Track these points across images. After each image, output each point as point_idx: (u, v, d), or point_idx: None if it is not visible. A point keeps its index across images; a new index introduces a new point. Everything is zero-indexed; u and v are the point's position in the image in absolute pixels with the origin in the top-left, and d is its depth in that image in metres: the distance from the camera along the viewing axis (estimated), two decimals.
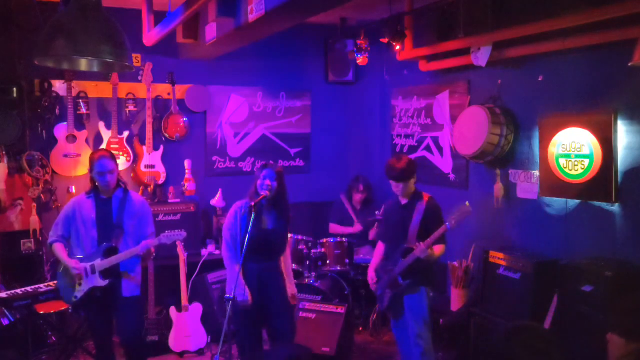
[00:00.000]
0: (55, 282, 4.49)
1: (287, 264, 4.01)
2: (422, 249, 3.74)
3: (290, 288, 3.97)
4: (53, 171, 5.21)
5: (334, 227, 5.81)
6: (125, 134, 5.46)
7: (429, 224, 3.85)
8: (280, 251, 3.92)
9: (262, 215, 3.78)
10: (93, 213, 3.82)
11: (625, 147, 3.75)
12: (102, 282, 3.74)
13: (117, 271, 3.81)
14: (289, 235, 5.05)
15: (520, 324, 3.76)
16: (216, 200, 5.69)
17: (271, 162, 3.88)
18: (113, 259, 3.74)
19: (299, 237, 5.22)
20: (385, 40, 4.92)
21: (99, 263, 3.73)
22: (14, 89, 4.92)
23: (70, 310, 4.17)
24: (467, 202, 3.75)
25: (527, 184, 4.48)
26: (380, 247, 4.27)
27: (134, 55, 5.30)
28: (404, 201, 4.03)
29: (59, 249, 3.83)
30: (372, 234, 5.60)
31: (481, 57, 4.52)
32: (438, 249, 3.88)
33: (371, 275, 4.17)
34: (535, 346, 2.16)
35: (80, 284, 3.76)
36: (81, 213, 3.83)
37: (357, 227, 5.66)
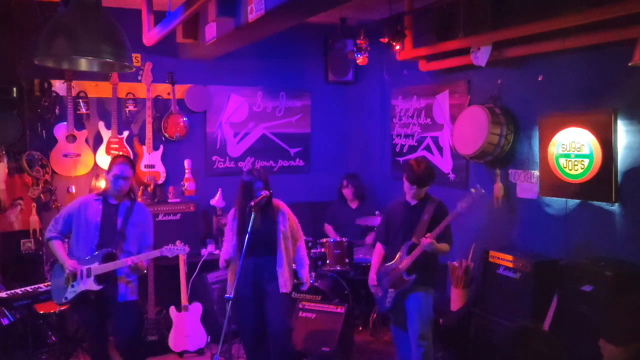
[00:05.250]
0: None
1: (289, 261, 4.06)
2: (428, 243, 3.77)
3: (283, 285, 3.98)
4: (53, 171, 5.21)
5: (328, 229, 5.82)
6: (125, 134, 5.46)
7: (437, 224, 3.87)
8: (271, 249, 3.99)
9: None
10: (98, 217, 3.81)
11: (625, 147, 3.75)
12: (95, 287, 3.71)
13: (114, 276, 3.79)
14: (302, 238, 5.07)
15: (521, 325, 3.77)
16: (216, 200, 5.69)
17: (256, 168, 4.12)
18: (110, 265, 3.72)
19: None
20: (385, 40, 4.92)
21: (96, 267, 3.71)
22: (14, 89, 4.93)
23: (70, 308, 4.17)
24: (478, 186, 3.78)
25: (527, 184, 4.48)
26: (379, 248, 4.25)
27: (134, 55, 5.30)
28: (413, 202, 4.04)
29: (57, 246, 3.81)
30: (369, 239, 5.58)
31: (481, 57, 4.52)
32: (442, 246, 3.90)
33: (372, 278, 4.16)
34: (536, 347, 2.16)
35: (72, 285, 3.74)
36: (86, 215, 3.82)
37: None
